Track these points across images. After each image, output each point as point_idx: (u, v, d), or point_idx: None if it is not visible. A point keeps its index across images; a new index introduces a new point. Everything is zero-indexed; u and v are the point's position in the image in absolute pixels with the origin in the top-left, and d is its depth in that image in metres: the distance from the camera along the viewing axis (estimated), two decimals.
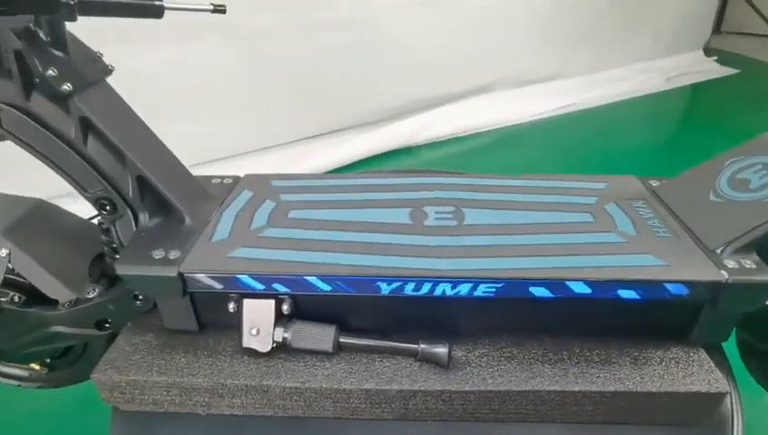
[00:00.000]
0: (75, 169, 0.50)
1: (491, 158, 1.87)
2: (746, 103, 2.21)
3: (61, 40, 0.45)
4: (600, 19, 2.32)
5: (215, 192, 0.58)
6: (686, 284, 0.45)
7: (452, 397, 0.47)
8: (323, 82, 1.79)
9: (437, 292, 0.47)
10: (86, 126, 0.48)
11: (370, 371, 0.49)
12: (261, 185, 0.60)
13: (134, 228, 0.53)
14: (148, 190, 0.51)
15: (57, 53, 0.45)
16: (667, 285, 0.45)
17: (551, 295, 0.46)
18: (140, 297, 0.54)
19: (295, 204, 0.56)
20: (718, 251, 0.46)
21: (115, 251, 0.55)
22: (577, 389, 0.46)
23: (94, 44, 0.49)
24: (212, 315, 0.52)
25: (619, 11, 2.35)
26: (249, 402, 0.49)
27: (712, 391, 0.46)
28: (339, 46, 1.76)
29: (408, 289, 0.47)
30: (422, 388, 0.47)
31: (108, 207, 0.52)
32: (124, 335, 0.53)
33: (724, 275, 0.44)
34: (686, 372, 0.48)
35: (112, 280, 0.57)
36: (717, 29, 2.80)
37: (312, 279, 0.47)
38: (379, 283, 0.47)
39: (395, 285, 0.47)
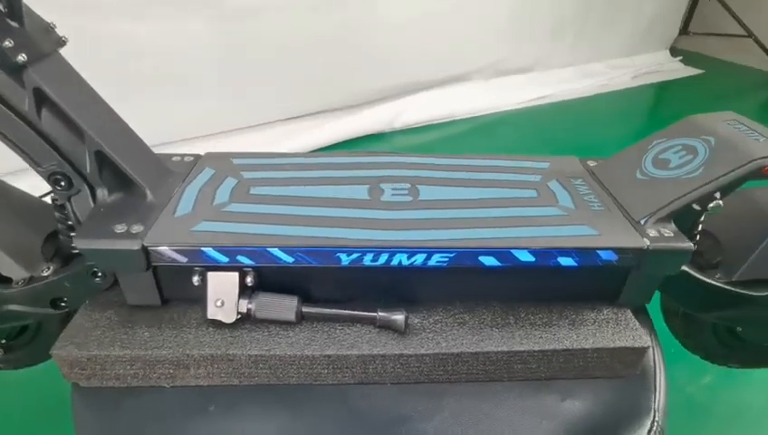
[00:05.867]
0: (28, 144, 0.49)
1: (466, 146, 1.90)
2: (708, 102, 2.34)
3: (17, 10, 0.44)
4: (577, 14, 2.41)
5: (175, 169, 0.59)
6: (615, 250, 0.50)
7: (409, 360, 0.51)
8: (303, 66, 1.79)
9: (394, 262, 0.50)
10: (40, 98, 0.47)
11: (332, 338, 0.52)
12: (222, 162, 0.61)
13: (91, 204, 0.53)
14: (106, 165, 0.51)
15: (13, 23, 0.44)
16: (599, 252, 0.50)
17: (498, 264, 0.50)
18: (99, 274, 0.53)
19: (257, 181, 0.58)
20: (642, 222, 0.52)
21: (70, 228, 0.54)
22: (522, 348, 0.51)
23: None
24: (176, 289, 0.53)
25: (596, 7, 2.44)
26: (215, 372, 0.51)
27: (636, 345, 0.52)
28: (321, 29, 1.76)
29: (367, 260, 0.50)
30: (381, 352, 0.50)
31: (62, 183, 0.52)
32: (82, 313, 0.53)
33: (646, 242, 0.50)
34: (614, 330, 0.53)
35: (67, 258, 0.57)
36: (685, 30, 2.94)
37: (275, 251, 0.49)
38: (339, 254, 0.49)
39: (354, 256, 0.49)
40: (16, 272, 0.53)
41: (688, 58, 2.83)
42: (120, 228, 0.49)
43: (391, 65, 1.97)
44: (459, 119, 2.08)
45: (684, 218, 0.53)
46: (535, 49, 2.39)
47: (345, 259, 0.49)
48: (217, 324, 0.52)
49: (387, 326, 0.52)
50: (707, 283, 0.56)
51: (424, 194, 0.57)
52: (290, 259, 0.49)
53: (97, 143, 0.49)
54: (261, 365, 0.50)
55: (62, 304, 0.55)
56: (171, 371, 0.50)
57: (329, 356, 0.50)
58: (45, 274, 0.54)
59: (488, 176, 0.61)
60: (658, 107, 2.43)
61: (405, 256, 0.49)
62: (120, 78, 1.44)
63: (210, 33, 1.59)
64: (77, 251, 0.55)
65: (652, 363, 0.56)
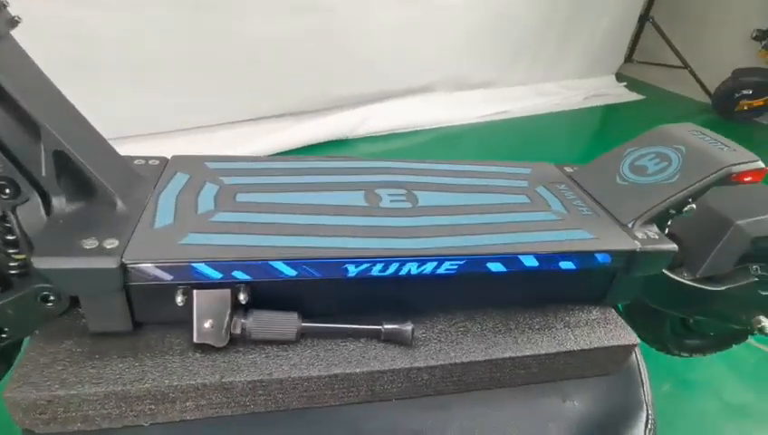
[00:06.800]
0: None
1: (429, 156, 1.91)
2: (650, 126, 2.54)
3: None
4: (534, 37, 2.52)
5: (143, 174, 0.51)
6: (611, 253, 0.52)
7: (419, 373, 0.49)
8: (269, 67, 1.72)
9: (403, 271, 0.48)
10: None
11: (336, 355, 0.48)
12: (195, 167, 0.55)
13: (43, 215, 0.44)
14: (67, 168, 0.43)
15: None
16: (597, 255, 0.52)
17: (504, 270, 0.50)
18: (52, 298, 0.45)
19: (241, 187, 0.52)
20: (629, 225, 0.55)
21: (11, 244, 0.45)
22: (527, 353, 0.51)
23: None
24: (151, 312, 0.46)
25: (551, 31, 2.57)
26: (205, 404, 0.45)
27: (626, 343, 0.55)
28: (291, 32, 1.70)
29: (376, 270, 0.47)
30: (390, 367, 0.48)
31: (8, 190, 0.43)
32: (35, 345, 0.44)
33: (637, 244, 0.52)
34: (606, 329, 0.56)
35: (1, 280, 0.47)
36: (629, 57, 3.17)
37: (278, 264, 0.44)
38: (347, 265, 0.46)
39: (363, 266, 0.46)
40: None
41: (632, 84, 3.06)
42: (89, 244, 0.41)
43: (357, 72, 1.96)
44: (421, 129, 2.11)
45: (660, 221, 0.57)
46: (495, 66, 2.49)
47: (353, 270, 0.46)
48: (206, 349, 0.46)
49: (393, 339, 0.50)
50: (677, 281, 0.61)
51: (423, 200, 0.55)
52: (293, 272, 0.45)
53: (57, 142, 0.41)
54: (260, 392, 0.45)
55: (3, 335, 0.46)
56: (153, 407, 0.44)
57: (336, 376, 0.46)
58: None
59: (478, 181, 0.61)
60: (605, 128, 2.62)
61: (415, 264, 0.47)
62: (70, 65, 1.32)
63: (176, 25, 1.48)
64: (16, 271, 0.46)
65: (635, 359, 0.59)
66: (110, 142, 0.49)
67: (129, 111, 1.48)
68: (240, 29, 1.61)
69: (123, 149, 0.51)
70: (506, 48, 2.47)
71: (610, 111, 2.76)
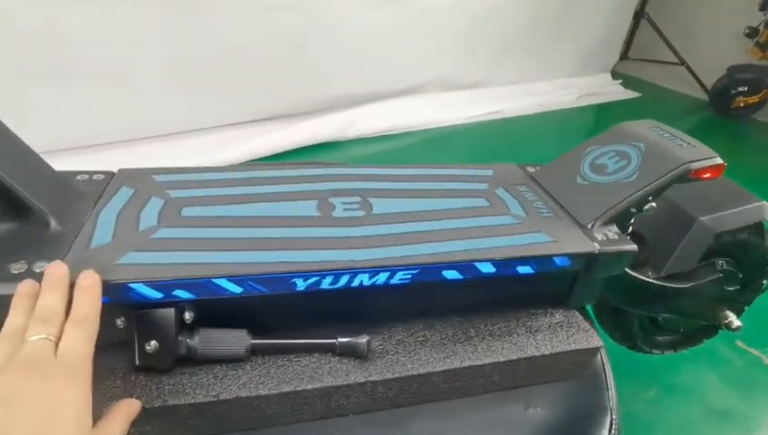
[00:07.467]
0: None
1: (418, 158, 1.90)
2: None
3: None
4: (525, 35, 2.49)
5: (84, 190, 0.49)
6: (569, 256, 0.51)
7: (374, 387, 0.47)
8: (253, 68, 1.69)
9: (355, 283, 0.46)
10: None
11: (288, 372, 0.46)
12: (142, 180, 0.53)
13: None
14: None
15: None
16: (555, 259, 0.51)
17: (461, 277, 0.49)
18: None
19: (188, 200, 0.51)
20: (589, 226, 0.54)
21: None
22: (487, 361, 0.50)
23: None
24: None
25: (543, 29, 2.54)
26: (149, 429, 0.43)
27: (590, 346, 0.54)
28: (276, 32, 1.67)
29: (326, 283, 0.45)
30: (345, 382, 0.46)
31: None
32: None
33: (596, 246, 0.52)
34: (568, 333, 0.55)
35: None
36: (625, 55, 3.15)
37: (221, 281, 0.43)
38: (294, 279, 0.44)
39: (312, 280, 0.45)
40: None
41: (628, 82, 3.03)
42: (17, 267, 0.39)
43: (346, 74, 1.94)
44: (411, 130, 2.10)
45: (622, 220, 0.56)
46: (486, 66, 2.46)
47: (301, 284, 0.45)
48: (150, 372, 0.44)
49: (347, 353, 0.48)
50: (642, 280, 0.60)
51: (377, 207, 0.54)
52: (238, 289, 0.43)
53: None
54: (207, 414, 0.44)
55: None
56: None
57: (287, 394, 0.45)
58: None
59: (437, 186, 0.59)
60: (600, 126, 2.56)
61: (367, 275, 0.46)
62: (33, 66, 1.30)
63: (152, 26, 1.44)
64: None
65: (600, 362, 0.58)
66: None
67: (94, 116, 1.43)
68: (226, 30, 1.58)
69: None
70: (497, 47, 2.44)
71: (606, 110, 2.73)
